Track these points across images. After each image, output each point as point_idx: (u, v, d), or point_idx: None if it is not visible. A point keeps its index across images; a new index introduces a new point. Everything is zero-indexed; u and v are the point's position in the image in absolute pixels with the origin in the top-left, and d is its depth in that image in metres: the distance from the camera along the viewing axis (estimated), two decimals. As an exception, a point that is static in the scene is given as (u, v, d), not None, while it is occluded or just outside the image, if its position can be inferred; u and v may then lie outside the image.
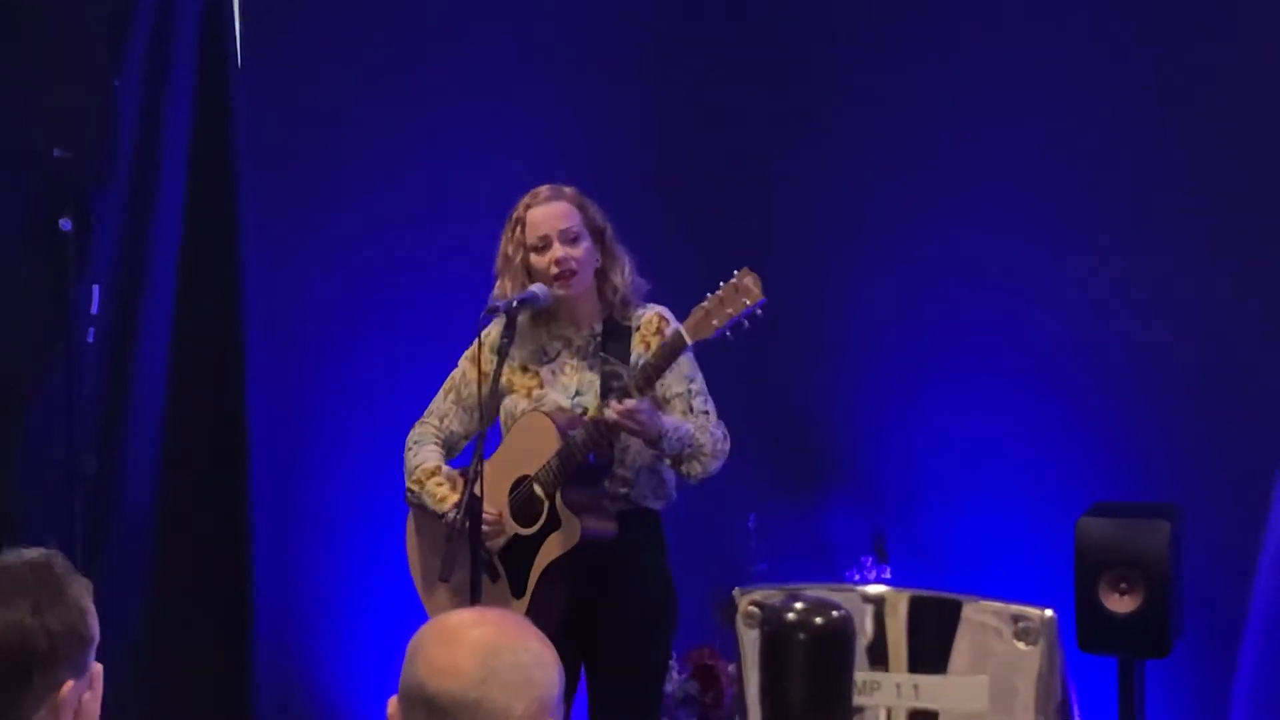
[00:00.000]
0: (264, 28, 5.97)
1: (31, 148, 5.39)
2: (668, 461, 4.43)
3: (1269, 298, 5.18)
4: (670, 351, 4.30)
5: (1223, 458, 5.13)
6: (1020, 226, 5.39)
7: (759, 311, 4.26)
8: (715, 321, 4.26)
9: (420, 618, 4.58)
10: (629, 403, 4.25)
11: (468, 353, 4.62)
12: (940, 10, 5.48)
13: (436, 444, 4.60)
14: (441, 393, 4.65)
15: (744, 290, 4.25)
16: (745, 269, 4.28)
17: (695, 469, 4.41)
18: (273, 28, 6.00)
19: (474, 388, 4.55)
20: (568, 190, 4.51)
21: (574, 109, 5.79)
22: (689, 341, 4.28)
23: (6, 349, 5.49)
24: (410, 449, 4.61)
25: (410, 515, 4.67)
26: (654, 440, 4.35)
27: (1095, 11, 5.33)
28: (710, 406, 4.49)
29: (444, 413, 4.62)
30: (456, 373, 4.64)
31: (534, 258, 4.45)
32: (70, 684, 2.42)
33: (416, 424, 4.65)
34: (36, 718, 2.39)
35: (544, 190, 4.51)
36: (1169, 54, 5.27)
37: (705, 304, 4.28)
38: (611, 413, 4.27)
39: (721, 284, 4.27)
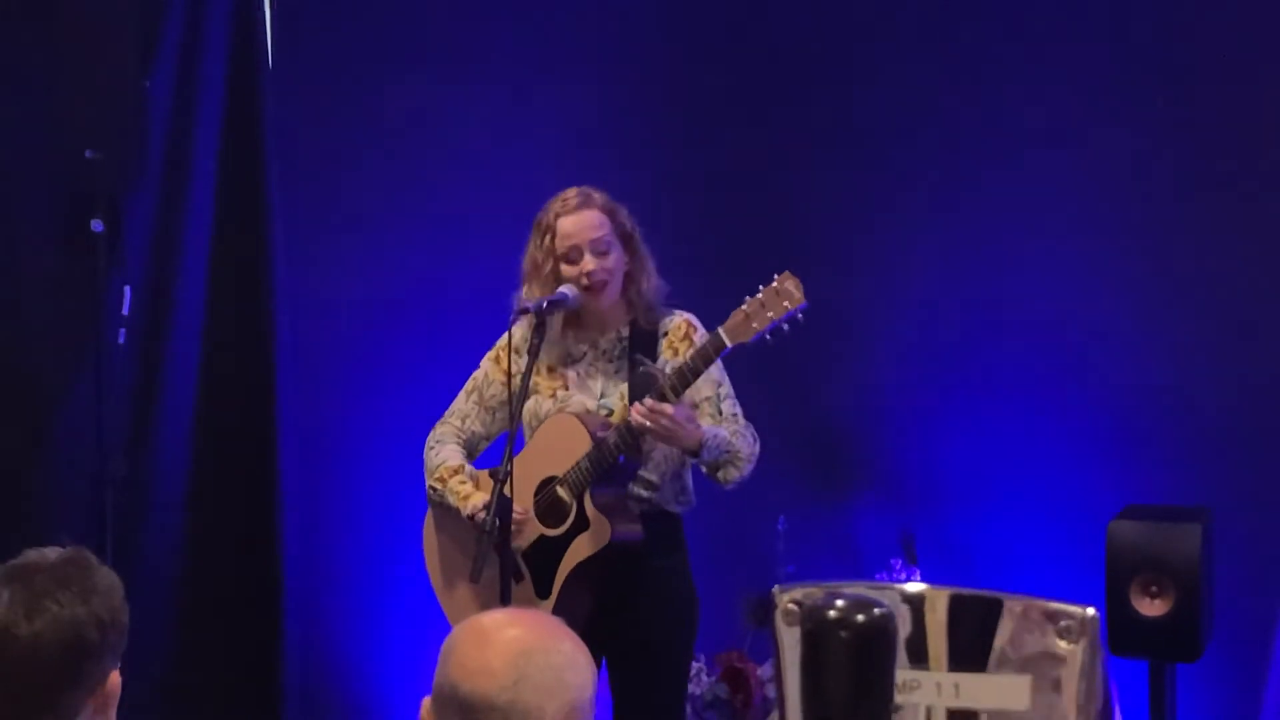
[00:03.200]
0: (295, 29, 5.98)
1: (63, 149, 5.41)
2: (705, 469, 4.42)
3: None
4: (708, 355, 4.28)
5: (1254, 461, 5.12)
6: (1051, 228, 5.38)
7: (800, 316, 4.25)
8: (755, 325, 4.24)
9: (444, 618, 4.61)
10: (657, 405, 4.24)
11: (490, 354, 4.62)
12: (972, 13, 5.47)
13: (458, 444, 4.59)
14: (464, 393, 4.64)
15: (785, 294, 4.23)
16: (786, 272, 4.25)
17: (732, 474, 4.40)
18: (303, 29, 6.01)
19: (497, 388, 4.54)
20: (597, 196, 4.49)
21: (601, 110, 5.79)
22: (728, 344, 4.25)
23: (38, 350, 5.51)
24: (431, 448, 4.60)
25: (428, 515, 4.66)
26: (694, 449, 4.33)
27: (1128, 21, 5.32)
28: (738, 409, 4.48)
29: (466, 413, 4.61)
30: (479, 373, 4.63)
31: (565, 267, 4.43)
32: (115, 674, 2.44)
33: (438, 424, 4.64)
34: (85, 711, 2.41)
35: (573, 196, 4.48)
36: (1202, 57, 5.26)
37: (744, 307, 4.26)
38: (635, 414, 4.26)
39: (761, 287, 4.25)
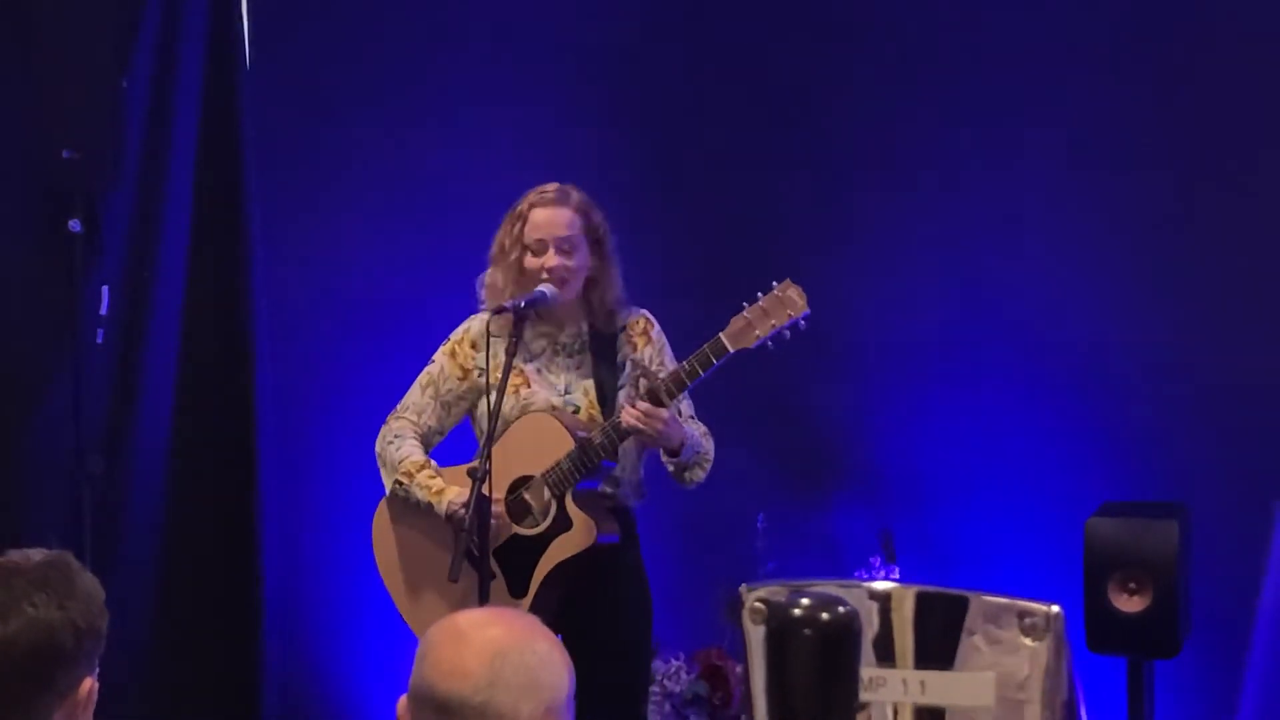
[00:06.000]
0: (272, 28, 5.98)
1: (40, 149, 5.40)
2: (673, 468, 4.42)
3: (1278, 298, 5.18)
4: (708, 360, 4.27)
5: (1231, 457, 5.13)
6: (1030, 228, 5.39)
7: (803, 323, 4.26)
8: (758, 331, 4.25)
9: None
10: (653, 409, 4.24)
11: (445, 347, 4.58)
12: (950, 19, 5.48)
13: (415, 438, 4.56)
14: (418, 387, 4.59)
15: (788, 302, 4.25)
16: (788, 280, 4.27)
17: (697, 475, 4.43)
18: (280, 28, 6.01)
19: (453, 383, 4.53)
20: (575, 195, 4.49)
21: (580, 112, 5.79)
22: (730, 350, 4.26)
23: (15, 349, 5.50)
24: (390, 443, 4.55)
25: (381, 512, 4.60)
26: (674, 449, 4.34)
27: (1115, 18, 5.33)
28: (693, 411, 4.50)
29: (421, 408, 4.57)
30: (434, 367, 4.58)
31: (529, 258, 4.44)
32: (89, 681, 2.43)
33: (390, 418, 4.59)
34: (56, 716, 2.40)
35: (551, 190, 4.48)
36: (1181, 54, 5.27)
37: (746, 313, 4.26)
38: (629, 417, 4.26)
39: (761, 294, 4.27)
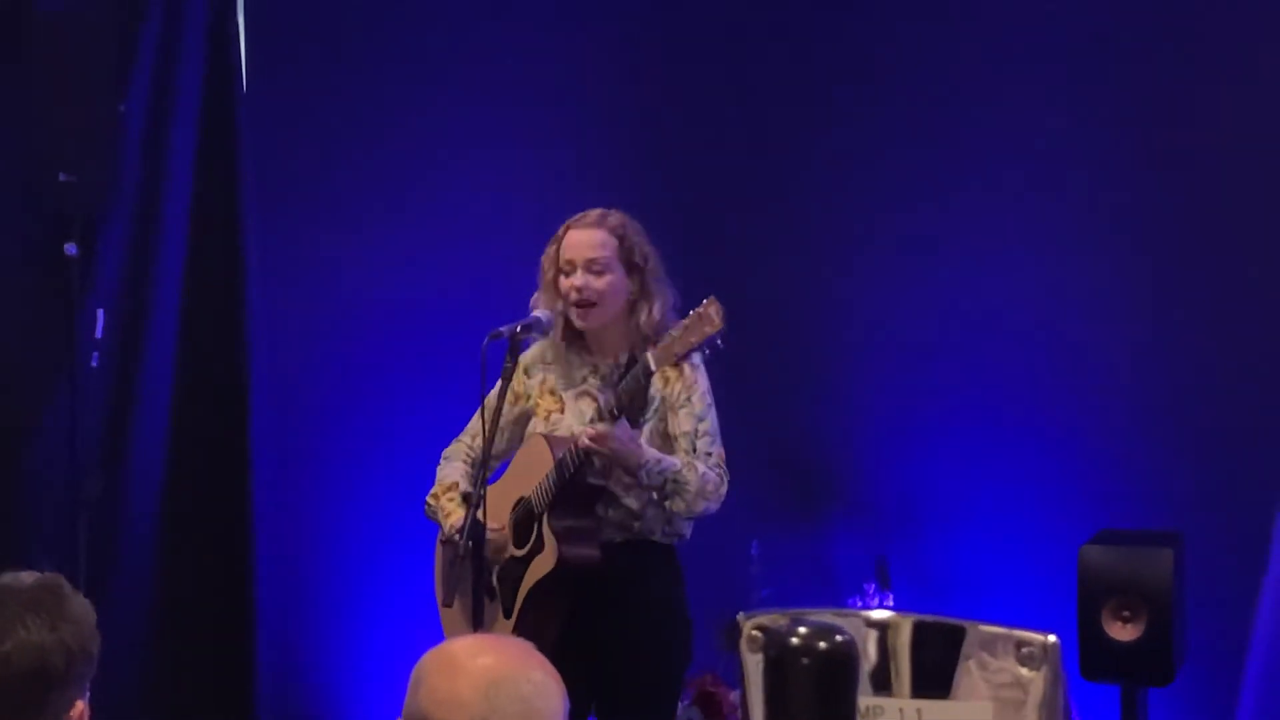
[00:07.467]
0: (269, 51, 5.99)
1: (37, 173, 5.40)
2: (655, 495, 4.39)
3: (1273, 326, 5.18)
4: (638, 378, 4.29)
5: (1226, 485, 5.12)
6: (1024, 252, 5.39)
7: (720, 342, 4.25)
8: (676, 350, 4.25)
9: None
10: (600, 427, 4.26)
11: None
12: (942, 23, 5.49)
13: (465, 461, 4.59)
14: (478, 412, 4.61)
15: (706, 319, 4.23)
16: (711, 298, 4.25)
17: (678, 505, 4.34)
18: (278, 51, 6.02)
19: (507, 408, 4.55)
20: (613, 219, 4.48)
21: (576, 128, 5.79)
22: (654, 369, 4.28)
23: (11, 373, 5.50)
24: (440, 464, 4.62)
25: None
26: (632, 470, 4.33)
27: (1096, 25, 5.34)
28: (715, 449, 4.41)
29: (475, 431, 4.59)
30: (491, 393, 4.64)
31: (562, 280, 4.46)
32: (80, 704, 2.43)
33: (453, 441, 4.66)
34: None
35: (592, 214, 4.49)
36: (1175, 74, 5.28)
37: (673, 331, 4.28)
38: (581, 437, 4.28)
39: (692, 311, 4.28)
